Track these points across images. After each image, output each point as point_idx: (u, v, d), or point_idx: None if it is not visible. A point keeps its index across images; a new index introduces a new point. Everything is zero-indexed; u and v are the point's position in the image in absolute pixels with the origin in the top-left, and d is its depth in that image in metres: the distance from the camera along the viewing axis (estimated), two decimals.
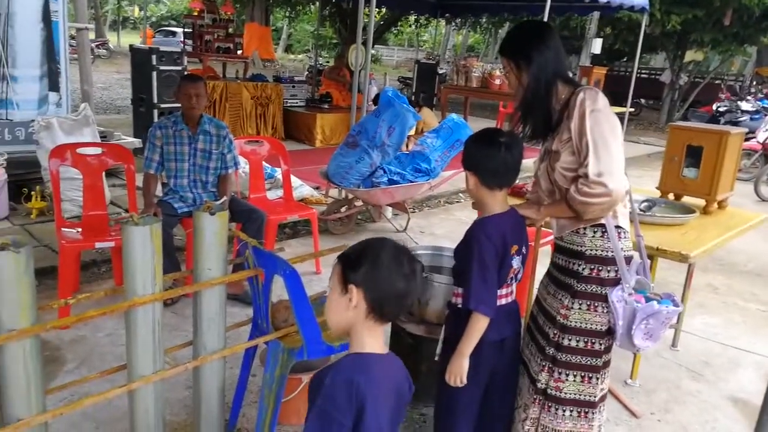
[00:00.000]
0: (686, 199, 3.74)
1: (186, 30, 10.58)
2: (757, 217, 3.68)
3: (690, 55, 16.91)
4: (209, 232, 2.11)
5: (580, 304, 2.13)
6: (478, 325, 2.02)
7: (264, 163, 4.81)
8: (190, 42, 9.70)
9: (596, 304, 2.12)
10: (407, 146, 6.34)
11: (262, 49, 12.81)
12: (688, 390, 3.38)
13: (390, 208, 5.88)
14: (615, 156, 2.00)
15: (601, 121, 2.01)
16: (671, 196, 3.79)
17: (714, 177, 3.59)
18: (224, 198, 3.81)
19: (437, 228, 6.08)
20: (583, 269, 2.13)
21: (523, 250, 2.16)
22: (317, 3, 15.07)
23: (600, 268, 2.12)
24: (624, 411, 3.10)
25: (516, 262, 2.12)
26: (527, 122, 2.21)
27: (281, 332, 2.35)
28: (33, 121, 5.28)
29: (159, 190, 4.02)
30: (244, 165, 4.76)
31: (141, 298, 1.93)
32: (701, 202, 3.67)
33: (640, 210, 3.37)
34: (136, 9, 43.61)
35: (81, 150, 3.85)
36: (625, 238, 2.16)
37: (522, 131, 2.23)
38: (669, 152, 3.78)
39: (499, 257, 2.04)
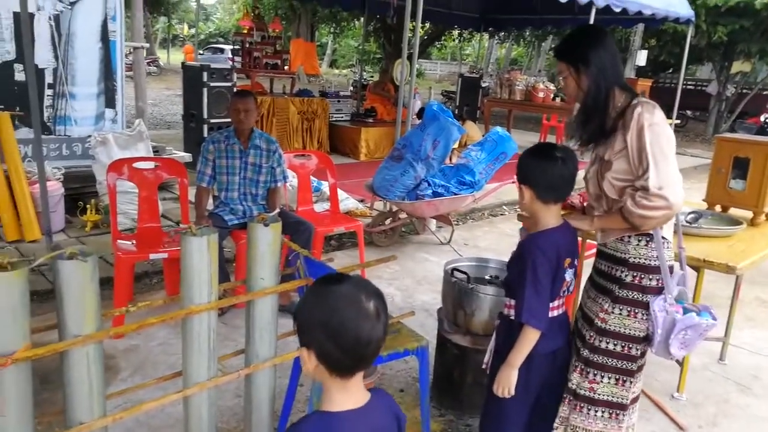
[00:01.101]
0: (733, 211, 3.71)
1: (235, 47, 10.84)
2: None
3: (737, 66, 16.57)
4: (263, 242, 2.16)
5: (621, 310, 2.17)
6: (530, 337, 2.04)
7: (310, 176, 4.90)
8: (238, 58, 9.93)
9: (636, 311, 2.15)
10: (451, 159, 6.35)
11: (307, 64, 13.03)
12: (737, 404, 3.33)
13: (434, 221, 5.91)
14: (673, 169, 2.03)
15: (659, 135, 2.03)
16: (718, 208, 3.76)
17: (761, 188, 3.56)
18: (277, 210, 3.89)
19: (481, 240, 6.09)
20: (626, 276, 2.16)
21: (575, 262, 2.18)
22: (362, 19, 15.26)
23: (642, 276, 2.14)
24: (671, 424, 3.07)
25: (569, 275, 2.14)
26: (585, 128, 2.22)
27: None
28: (90, 136, 5.50)
29: (210, 203, 4.13)
30: (291, 178, 4.85)
31: (197, 306, 1.99)
32: (748, 213, 3.63)
33: (687, 222, 3.36)
34: (186, 27, 44.87)
35: (137, 164, 3.99)
36: (668, 248, 2.17)
37: (579, 137, 2.24)
38: (715, 164, 3.76)
39: (553, 271, 2.06)
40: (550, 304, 2.10)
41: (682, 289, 2.19)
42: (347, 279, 1.36)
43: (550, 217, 2.11)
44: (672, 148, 2.06)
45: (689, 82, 20.56)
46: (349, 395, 1.35)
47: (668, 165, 2.01)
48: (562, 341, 2.21)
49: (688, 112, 19.02)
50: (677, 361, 3.33)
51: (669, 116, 10.74)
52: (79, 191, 5.57)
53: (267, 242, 2.18)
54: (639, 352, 2.19)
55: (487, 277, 3.15)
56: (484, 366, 2.32)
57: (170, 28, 41.68)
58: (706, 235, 3.23)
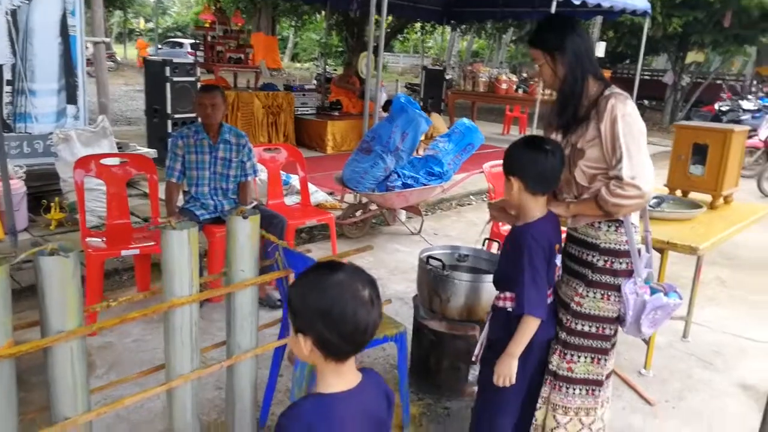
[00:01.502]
0: (693, 195, 3.84)
1: (197, 41, 10.67)
2: (763, 210, 3.80)
3: (691, 57, 17.07)
4: (242, 234, 2.18)
5: (594, 293, 2.24)
6: (531, 326, 2.09)
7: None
8: (196, 53, 9.78)
9: (609, 294, 2.24)
10: (417, 151, 6.41)
11: (268, 58, 12.91)
12: (700, 378, 3.49)
13: (404, 212, 5.96)
14: (645, 159, 2.10)
15: (632, 126, 2.10)
16: (678, 193, 3.89)
17: (719, 173, 3.69)
18: (254, 203, 3.88)
19: (450, 230, 6.17)
20: (598, 260, 2.23)
21: (561, 247, 2.25)
22: (323, 12, 15.20)
23: (613, 260, 2.22)
24: (639, 399, 3.20)
25: (558, 260, 2.21)
26: (562, 115, 2.25)
27: None
28: (51, 134, 5.38)
29: (180, 199, 4.10)
30: (260, 172, 4.83)
31: (180, 299, 2.00)
32: (708, 197, 3.77)
33: (650, 206, 3.46)
34: (142, 21, 43.99)
35: (104, 161, 3.94)
36: (635, 232, 2.25)
37: (556, 124, 2.28)
38: (676, 150, 3.88)
39: (547, 259, 2.11)
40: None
41: (650, 272, 2.29)
42: (342, 267, 1.38)
43: (537, 208, 2.14)
44: (644, 139, 2.13)
45: (645, 73, 21.05)
46: (342, 377, 1.39)
47: (640, 155, 2.08)
48: (554, 329, 2.29)
49: (645, 102, 19.45)
50: (644, 339, 3.45)
51: None
52: (41, 189, 5.45)
53: (246, 234, 2.20)
54: (612, 332, 2.28)
55: (455, 256, 3.22)
56: (474, 358, 2.35)
57: (126, 22, 40.80)
58: (669, 219, 3.36)
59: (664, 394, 3.27)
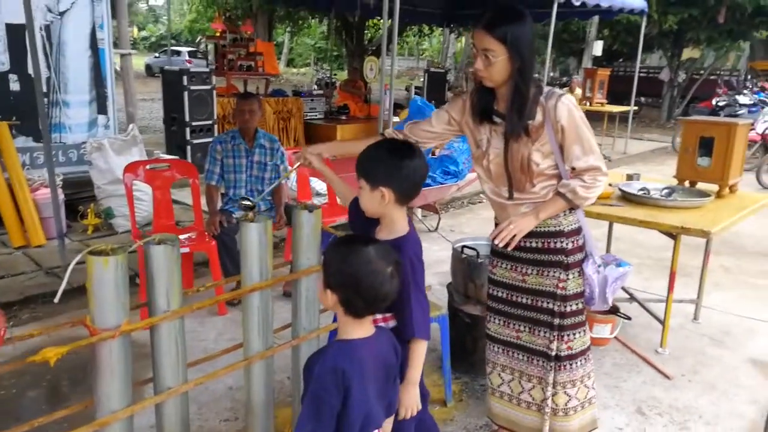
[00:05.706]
0: (700, 186, 4.08)
1: (195, 50, 10.94)
2: (766, 198, 4.04)
3: (687, 53, 17.38)
4: (307, 226, 2.43)
5: (573, 273, 2.42)
6: (424, 351, 1.97)
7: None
8: (194, 61, 10.03)
9: (582, 270, 2.45)
10: (433, 152, 6.67)
11: (266, 64, 13.19)
12: (713, 355, 3.75)
13: (419, 210, 6.22)
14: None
15: (586, 122, 2.26)
16: (687, 183, 4.13)
17: (725, 164, 3.92)
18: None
19: (465, 227, 6.44)
20: (567, 244, 2.39)
21: None
22: (320, 18, 15.39)
23: (577, 238, 2.42)
24: (658, 374, 3.48)
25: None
26: (523, 116, 2.21)
27: None
28: (84, 143, 5.65)
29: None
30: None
31: (260, 283, 2.26)
32: (714, 187, 4.00)
33: (662, 196, 3.76)
34: (135, 29, 44.18)
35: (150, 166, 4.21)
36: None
37: (519, 127, 2.22)
38: (684, 144, 4.12)
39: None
40: None
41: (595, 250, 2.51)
42: (374, 242, 1.70)
43: (404, 218, 2.01)
44: None
45: (642, 70, 21.36)
46: (360, 327, 1.70)
47: (596, 145, 2.29)
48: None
49: (642, 99, 19.73)
50: (659, 320, 3.72)
51: (624, 103, 11.30)
52: (76, 196, 5.71)
53: (311, 226, 2.46)
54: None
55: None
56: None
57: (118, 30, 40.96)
58: (681, 207, 3.63)
59: (680, 369, 3.54)
